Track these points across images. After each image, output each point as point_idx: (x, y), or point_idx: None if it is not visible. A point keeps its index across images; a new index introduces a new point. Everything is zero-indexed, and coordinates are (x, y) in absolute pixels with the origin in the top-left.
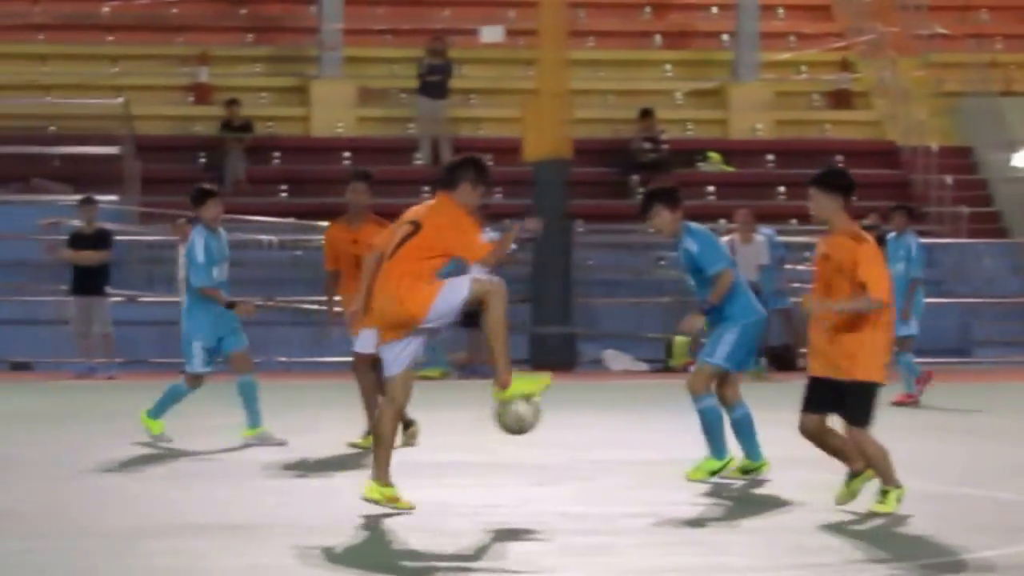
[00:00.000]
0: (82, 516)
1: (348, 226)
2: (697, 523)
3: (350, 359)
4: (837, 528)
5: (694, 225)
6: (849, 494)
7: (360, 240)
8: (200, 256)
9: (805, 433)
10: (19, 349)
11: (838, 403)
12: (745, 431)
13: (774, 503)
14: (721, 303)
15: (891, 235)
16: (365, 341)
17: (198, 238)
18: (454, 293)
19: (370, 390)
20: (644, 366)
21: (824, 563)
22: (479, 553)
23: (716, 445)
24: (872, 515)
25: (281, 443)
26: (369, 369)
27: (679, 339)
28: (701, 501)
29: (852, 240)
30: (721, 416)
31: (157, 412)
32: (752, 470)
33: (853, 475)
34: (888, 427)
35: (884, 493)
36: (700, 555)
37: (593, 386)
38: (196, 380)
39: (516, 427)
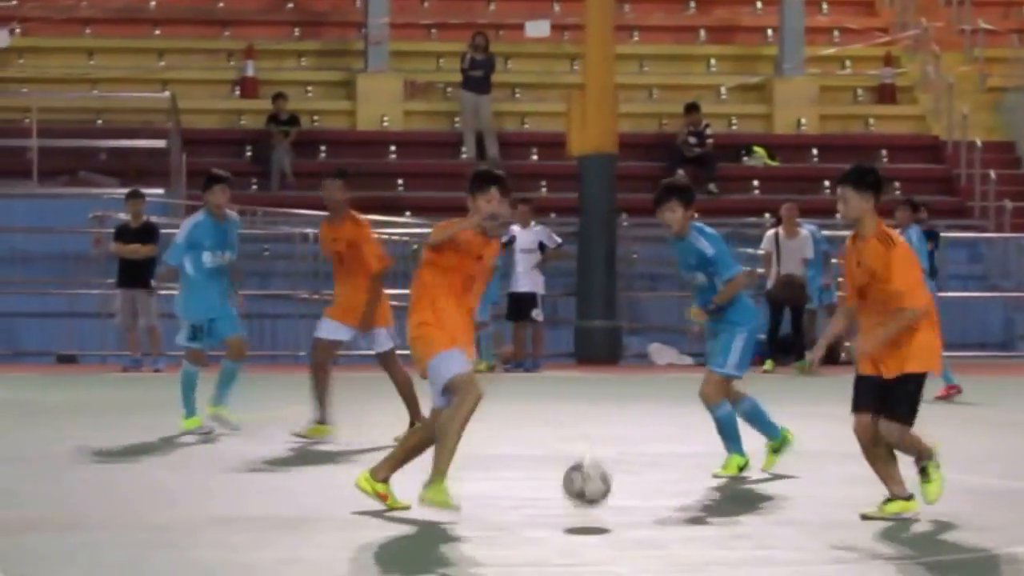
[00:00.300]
0: (132, 509)
1: (329, 224)
2: (743, 517)
3: (399, 352)
4: (881, 523)
5: (706, 227)
6: (880, 514)
7: (339, 237)
8: (180, 237)
9: (858, 435)
10: (65, 342)
11: (884, 400)
12: (760, 418)
13: (820, 498)
14: (726, 306)
15: (896, 230)
16: (329, 328)
17: (192, 221)
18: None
19: (326, 379)
20: (689, 360)
21: (869, 557)
22: (525, 546)
23: (736, 444)
24: (922, 511)
25: (236, 428)
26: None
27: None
28: (747, 495)
29: (883, 245)
30: (735, 418)
31: (187, 407)
32: (780, 448)
33: (888, 500)
34: (931, 421)
35: (925, 471)
36: (746, 549)
37: (638, 380)
38: (196, 357)
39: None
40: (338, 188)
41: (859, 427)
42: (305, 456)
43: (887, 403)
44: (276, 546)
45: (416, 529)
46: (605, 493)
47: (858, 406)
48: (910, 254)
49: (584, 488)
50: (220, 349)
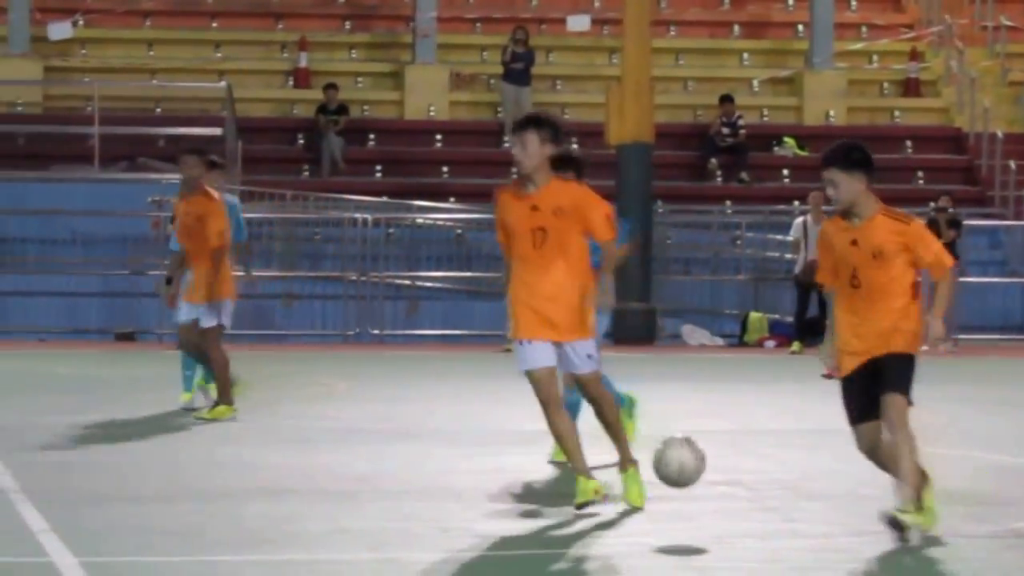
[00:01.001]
0: (185, 480)
1: (183, 199)
2: (772, 491)
3: (443, 332)
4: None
5: None
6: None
7: (190, 211)
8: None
9: (862, 450)
10: (125, 321)
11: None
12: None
13: (846, 473)
14: None
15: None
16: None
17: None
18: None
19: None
20: (720, 341)
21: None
22: (565, 516)
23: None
24: (944, 488)
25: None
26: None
27: (754, 315)
28: (776, 470)
29: (899, 221)
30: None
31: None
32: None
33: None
34: (952, 399)
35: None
36: (774, 522)
37: (672, 359)
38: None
39: (677, 478)
40: (194, 164)
41: (860, 440)
42: (350, 431)
43: (884, 379)
44: (324, 517)
45: (459, 499)
46: (699, 466)
47: (860, 417)
48: (925, 226)
49: (681, 468)
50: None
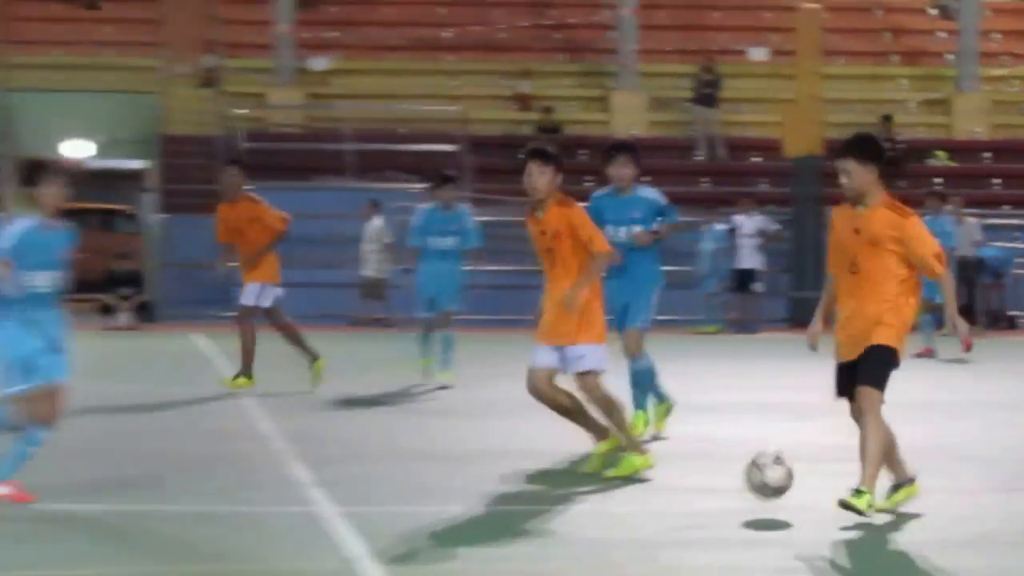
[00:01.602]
0: (403, 443)
1: (227, 206)
2: (931, 452)
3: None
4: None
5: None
6: (891, 505)
7: (240, 216)
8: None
9: (854, 417)
10: (373, 308)
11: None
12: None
13: (996, 439)
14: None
15: (927, 216)
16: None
17: None
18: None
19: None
20: None
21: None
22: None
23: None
24: None
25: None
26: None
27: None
28: (932, 433)
29: (896, 213)
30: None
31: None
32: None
33: (896, 487)
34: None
35: (859, 493)
36: (934, 478)
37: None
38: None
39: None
40: (234, 174)
41: (853, 410)
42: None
43: (860, 370)
44: (456, 475)
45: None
46: (787, 477)
47: (840, 394)
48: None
49: (764, 479)
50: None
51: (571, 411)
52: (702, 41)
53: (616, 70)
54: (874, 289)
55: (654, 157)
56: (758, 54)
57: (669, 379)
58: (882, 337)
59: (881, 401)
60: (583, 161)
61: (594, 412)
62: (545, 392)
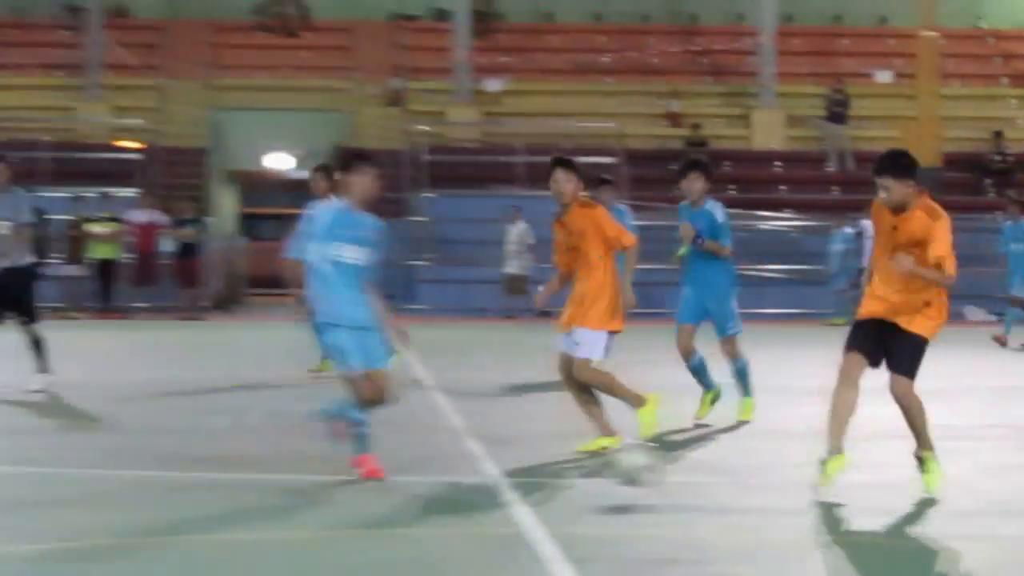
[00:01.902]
0: (502, 429)
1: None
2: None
3: (780, 311)
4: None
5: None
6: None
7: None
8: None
9: (844, 371)
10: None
11: (882, 348)
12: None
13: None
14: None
15: (1008, 222)
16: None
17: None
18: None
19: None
20: (994, 317)
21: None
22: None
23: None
24: None
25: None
26: None
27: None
28: None
29: (929, 216)
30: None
31: None
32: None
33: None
34: None
35: (923, 461)
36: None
37: (953, 333)
38: None
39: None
40: (320, 179)
41: (848, 363)
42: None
43: (891, 356)
44: (505, 460)
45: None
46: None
47: (850, 348)
48: (949, 227)
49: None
50: None
51: (599, 391)
52: (833, 65)
53: (756, 91)
54: (913, 281)
55: (791, 168)
56: (883, 77)
57: (801, 367)
58: (924, 328)
59: (912, 386)
60: (727, 172)
61: (620, 393)
62: (566, 375)
